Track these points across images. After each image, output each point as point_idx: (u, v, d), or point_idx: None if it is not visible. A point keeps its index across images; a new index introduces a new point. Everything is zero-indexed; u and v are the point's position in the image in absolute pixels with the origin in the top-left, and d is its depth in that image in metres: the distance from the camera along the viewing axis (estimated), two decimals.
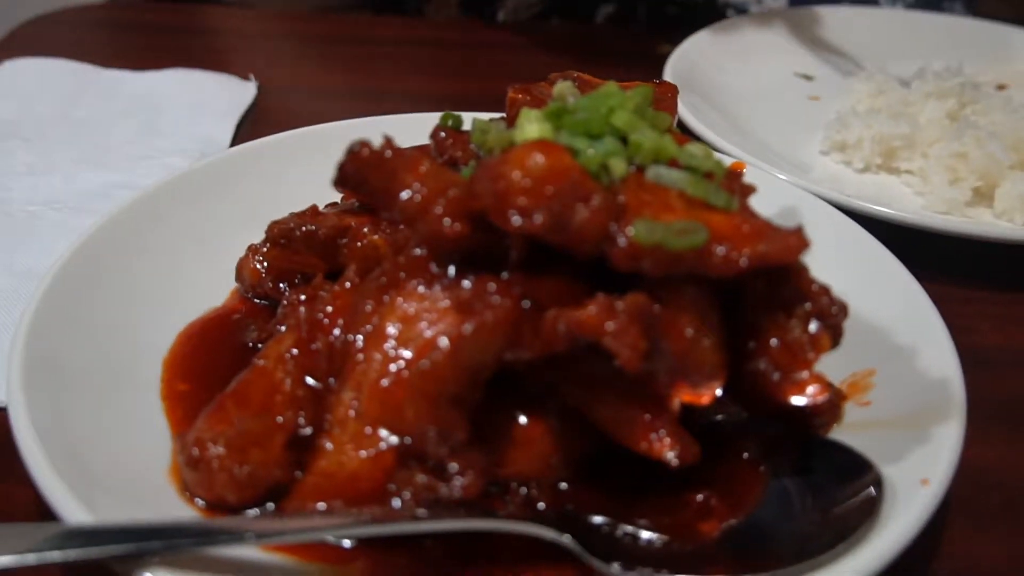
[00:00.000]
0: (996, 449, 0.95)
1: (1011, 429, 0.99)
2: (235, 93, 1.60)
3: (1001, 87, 1.71)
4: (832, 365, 0.82)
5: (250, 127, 1.53)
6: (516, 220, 0.70)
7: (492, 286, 0.73)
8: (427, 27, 2.01)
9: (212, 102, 1.57)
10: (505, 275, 0.75)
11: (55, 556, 0.63)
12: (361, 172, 0.76)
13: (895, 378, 0.89)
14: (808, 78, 1.77)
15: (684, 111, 1.39)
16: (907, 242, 1.05)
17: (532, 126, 0.77)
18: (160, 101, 1.56)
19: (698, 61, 1.68)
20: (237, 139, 1.48)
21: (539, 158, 0.71)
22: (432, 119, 1.01)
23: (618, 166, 0.75)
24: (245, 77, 1.65)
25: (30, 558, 0.62)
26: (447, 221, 0.74)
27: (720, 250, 0.70)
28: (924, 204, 1.37)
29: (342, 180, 0.76)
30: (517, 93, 0.95)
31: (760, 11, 1.96)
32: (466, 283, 0.75)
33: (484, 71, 1.75)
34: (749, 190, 0.79)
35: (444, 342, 0.73)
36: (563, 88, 0.84)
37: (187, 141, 1.44)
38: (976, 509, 0.88)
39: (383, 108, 1.24)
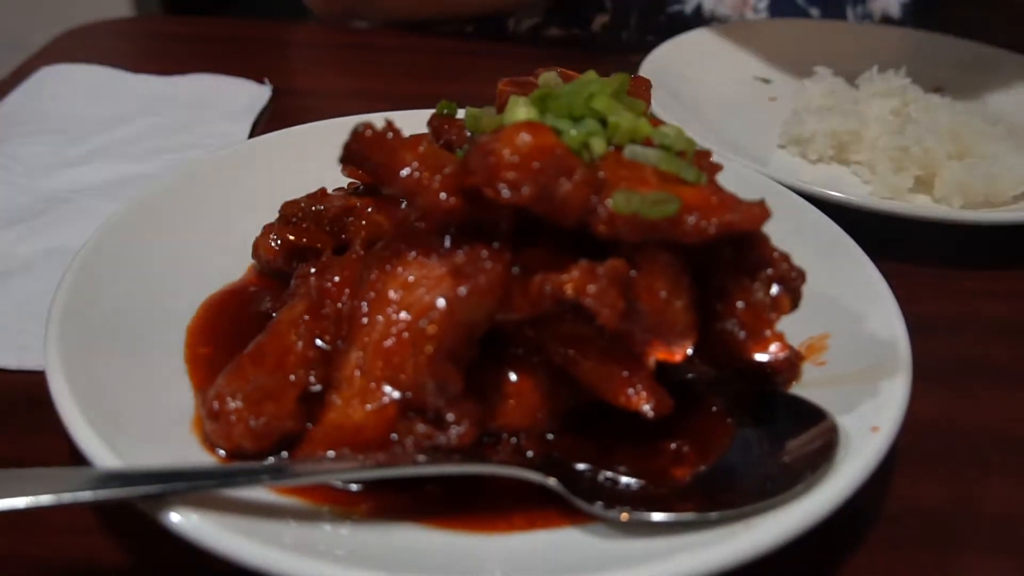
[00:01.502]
0: (936, 404, 0.94)
1: (949, 386, 0.99)
2: (251, 95, 1.58)
3: (938, 90, 1.70)
4: (791, 330, 0.81)
5: (265, 125, 1.51)
6: (506, 192, 0.68)
7: (484, 253, 0.72)
8: (427, 36, 1.99)
9: (230, 103, 1.54)
10: (496, 244, 0.73)
11: (87, 496, 0.62)
12: (364, 150, 0.74)
13: (848, 340, 0.88)
14: (766, 81, 1.76)
15: (654, 108, 1.38)
16: (856, 224, 1.04)
17: (520, 110, 0.76)
18: (182, 102, 1.54)
19: (666, 67, 1.66)
20: (253, 135, 1.45)
21: (526, 137, 0.70)
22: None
23: (598, 144, 0.74)
24: (260, 81, 1.63)
25: (66, 497, 0.61)
26: (443, 195, 0.73)
27: (691, 219, 0.69)
28: (871, 190, 1.36)
29: (347, 157, 0.75)
30: (506, 86, 0.94)
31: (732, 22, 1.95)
32: (461, 252, 0.74)
33: (478, 76, 1.73)
34: (717, 168, 0.78)
35: (441, 303, 0.72)
36: (548, 77, 0.83)
37: (207, 137, 1.42)
38: (919, 456, 0.87)
39: (387, 108, 1.22)
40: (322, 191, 1.01)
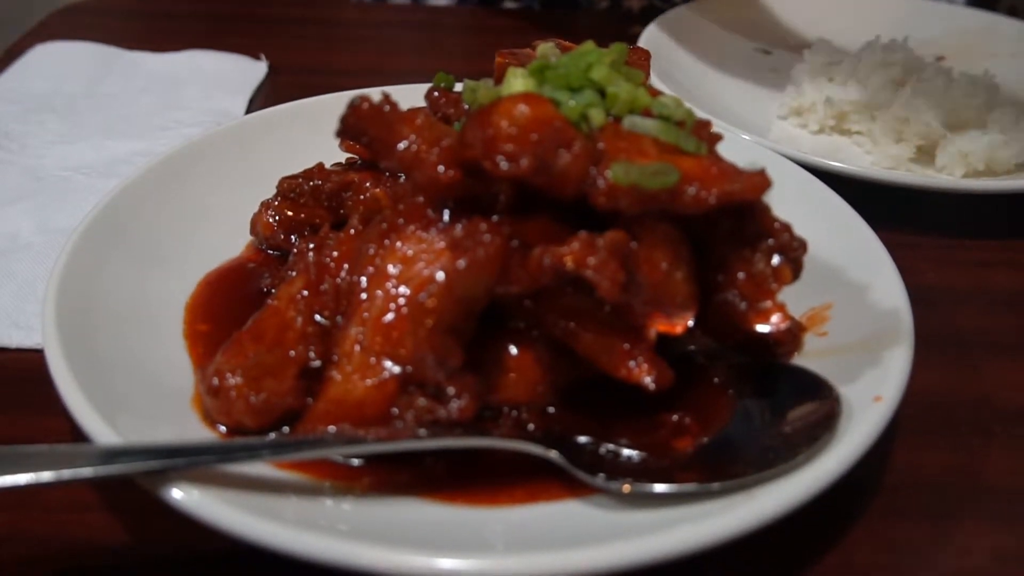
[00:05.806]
0: (936, 375, 0.94)
1: (949, 357, 0.98)
2: (247, 71, 1.57)
3: (940, 59, 1.68)
4: (793, 300, 0.81)
5: (261, 102, 1.50)
6: (504, 165, 0.68)
7: (483, 226, 0.71)
8: (424, 11, 1.97)
9: (226, 79, 1.54)
10: (495, 217, 0.73)
11: (88, 472, 0.62)
12: (361, 124, 0.74)
13: (850, 311, 0.88)
14: (767, 52, 1.75)
15: (654, 80, 1.37)
16: (858, 194, 1.04)
17: (518, 81, 0.75)
18: (178, 79, 1.53)
19: (666, 38, 1.65)
20: (249, 112, 1.44)
21: (524, 108, 0.69)
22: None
23: (597, 115, 0.73)
24: (256, 57, 1.62)
25: (66, 474, 0.61)
26: (441, 168, 0.72)
27: (691, 189, 0.69)
28: (873, 161, 1.35)
29: (344, 131, 0.74)
30: (504, 58, 0.93)
31: None
32: (459, 225, 0.73)
33: (476, 50, 1.72)
34: (717, 138, 0.77)
35: (440, 277, 0.71)
36: (546, 48, 0.82)
37: (203, 114, 1.41)
38: (920, 427, 0.87)
39: (383, 83, 1.21)
40: (319, 166, 1.00)
